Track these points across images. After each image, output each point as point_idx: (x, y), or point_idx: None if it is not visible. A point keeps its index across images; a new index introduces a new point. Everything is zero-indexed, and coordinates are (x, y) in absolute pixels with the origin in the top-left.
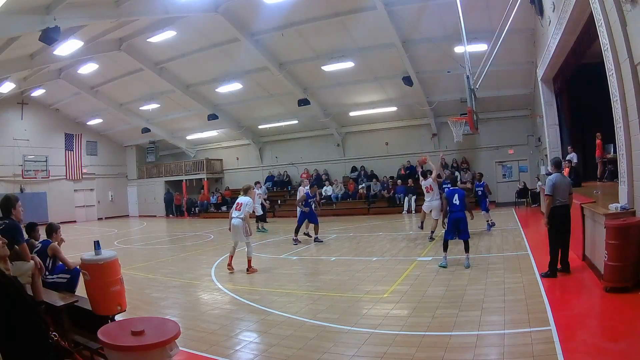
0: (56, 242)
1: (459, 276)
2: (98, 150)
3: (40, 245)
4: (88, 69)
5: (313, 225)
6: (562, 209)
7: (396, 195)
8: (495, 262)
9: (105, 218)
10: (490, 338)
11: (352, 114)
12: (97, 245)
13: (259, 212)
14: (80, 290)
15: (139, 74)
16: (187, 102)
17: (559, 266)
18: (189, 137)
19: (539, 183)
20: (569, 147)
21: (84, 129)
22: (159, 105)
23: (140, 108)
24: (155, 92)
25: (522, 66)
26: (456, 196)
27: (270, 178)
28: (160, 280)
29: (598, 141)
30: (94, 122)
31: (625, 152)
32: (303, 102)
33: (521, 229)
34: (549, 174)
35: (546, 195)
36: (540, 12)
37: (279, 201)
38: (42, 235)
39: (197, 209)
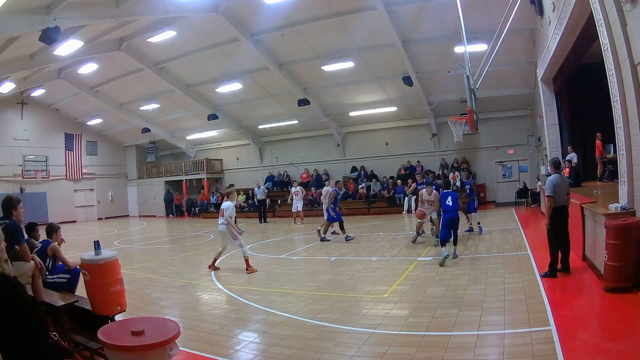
0: (56, 242)
1: (459, 276)
2: (98, 150)
3: (40, 245)
4: (88, 69)
5: (326, 223)
6: (562, 210)
7: (396, 195)
8: (495, 262)
9: (105, 218)
10: (490, 338)
11: (352, 114)
12: (97, 245)
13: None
14: (80, 290)
15: (139, 74)
16: (187, 102)
17: (558, 266)
18: (189, 137)
19: (539, 183)
20: (569, 147)
21: (84, 129)
22: (159, 105)
23: (140, 108)
24: (155, 92)
25: (522, 66)
26: (449, 198)
27: (270, 178)
28: (160, 280)
29: (598, 142)
30: (94, 122)
31: (625, 152)
32: (303, 102)
33: (521, 229)
34: (548, 174)
35: (547, 196)
36: (540, 12)
37: (279, 201)
38: (42, 235)
39: (197, 209)
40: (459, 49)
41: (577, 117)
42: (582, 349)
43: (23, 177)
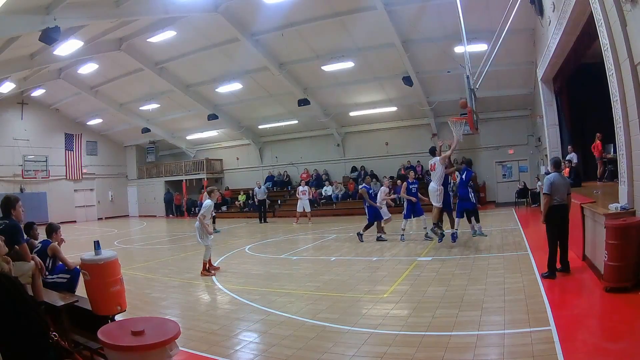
0: (56, 242)
1: (459, 276)
2: (98, 150)
3: (40, 245)
4: (88, 69)
5: (368, 224)
6: (560, 209)
7: (396, 195)
8: (495, 262)
9: (105, 218)
10: (490, 338)
11: (352, 114)
12: (97, 245)
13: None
14: (80, 290)
15: (139, 74)
16: (187, 102)
17: (558, 266)
18: (189, 137)
19: (539, 183)
20: (569, 147)
21: (84, 129)
22: (159, 105)
23: (140, 108)
24: (155, 92)
25: (522, 66)
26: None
27: (270, 178)
28: (160, 280)
29: (597, 142)
30: (94, 122)
31: (625, 152)
32: (303, 102)
33: (521, 229)
34: (548, 173)
35: (544, 194)
36: (540, 12)
37: (279, 201)
38: (42, 235)
39: (197, 209)
40: (459, 49)
41: (577, 117)
42: (582, 349)
43: (23, 177)
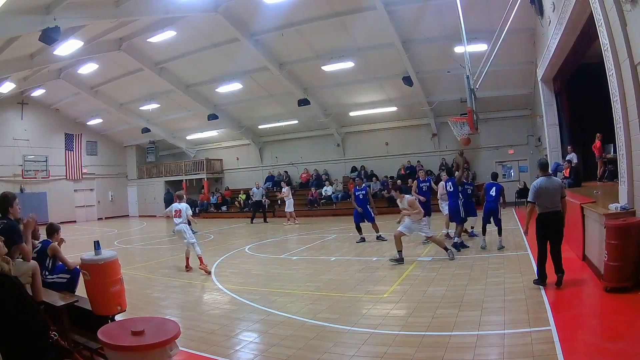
0: (56, 243)
1: (459, 276)
2: (98, 150)
3: (40, 245)
4: (88, 69)
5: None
6: (551, 216)
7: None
8: (495, 262)
9: (105, 218)
10: (490, 338)
11: (352, 114)
12: (97, 245)
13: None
14: (80, 290)
15: (139, 74)
16: (187, 102)
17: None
18: (189, 137)
19: None
20: (568, 148)
21: (84, 129)
22: (159, 105)
23: (140, 108)
24: (155, 92)
25: (522, 66)
26: (494, 189)
27: (270, 178)
28: (160, 280)
29: (597, 142)
30: (94, 122)
31: (625, 152)
32: (303, 102)
33: (521, 229)
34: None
35: (528, 202)
36: (540, 12)
37: (279, 201)
38: (42, 235)
39: (197, 209)
40: (459, 49)
41: (577, 117)
42: (582, 349)
43: (23, 177)
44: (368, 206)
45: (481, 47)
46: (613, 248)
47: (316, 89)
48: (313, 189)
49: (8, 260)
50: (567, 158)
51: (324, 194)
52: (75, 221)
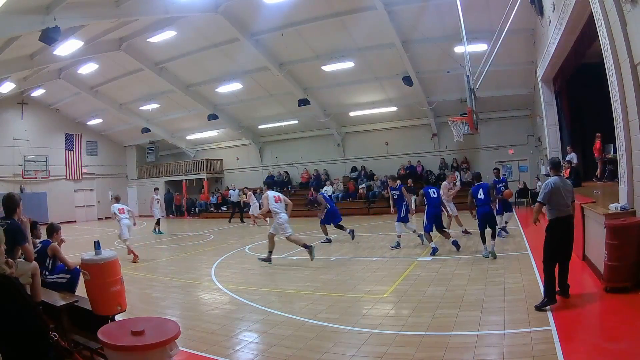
0: (56, 242)
1: (459, 276)
2: (98, 150)
3: (40, 245)
4: (88, 69)
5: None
6: (568, 219)
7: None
8: (495, 262)
9: (106, 218)
10: (490, 338)
11: (352, 114)
12: (97, 245)
13: (157, 215)
14: (80, 290)
15: (139, 74)
16: (187, 102)
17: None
18: (189, 137)
19: (539, 183)
20: (568, 147)
21: (84, 129)
22: (159, 105)
23: (140, 108)
24: (155, 92)
25: (522, 66)
26: (481, 190)
27: (270, 178)
28: (160, 280)
29: (597, 142)
30: (94, 122)
31: (625, 152)
32: (303, 102)
33: (521, 229)
34: (548, 175)
35: (537, 202)
36: (540, 12)
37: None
38: (43, 235)
39: (197, 209)
40: (459, 49)
41: (577, 117)
42: (582, 349)
43: (23, 177)
44: (404, 203)
45: (481, 47)
46: (613, 248)
47: (316, 89)
48: (312, 189)
49: (12, 264)
50: (567, 158)
51: (324, 194)
52: (75, 221)
